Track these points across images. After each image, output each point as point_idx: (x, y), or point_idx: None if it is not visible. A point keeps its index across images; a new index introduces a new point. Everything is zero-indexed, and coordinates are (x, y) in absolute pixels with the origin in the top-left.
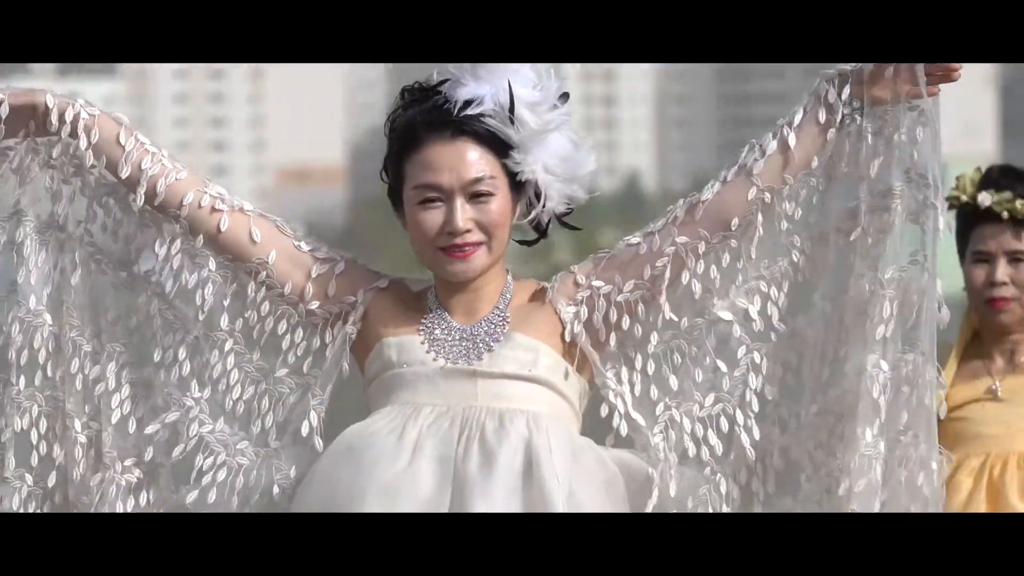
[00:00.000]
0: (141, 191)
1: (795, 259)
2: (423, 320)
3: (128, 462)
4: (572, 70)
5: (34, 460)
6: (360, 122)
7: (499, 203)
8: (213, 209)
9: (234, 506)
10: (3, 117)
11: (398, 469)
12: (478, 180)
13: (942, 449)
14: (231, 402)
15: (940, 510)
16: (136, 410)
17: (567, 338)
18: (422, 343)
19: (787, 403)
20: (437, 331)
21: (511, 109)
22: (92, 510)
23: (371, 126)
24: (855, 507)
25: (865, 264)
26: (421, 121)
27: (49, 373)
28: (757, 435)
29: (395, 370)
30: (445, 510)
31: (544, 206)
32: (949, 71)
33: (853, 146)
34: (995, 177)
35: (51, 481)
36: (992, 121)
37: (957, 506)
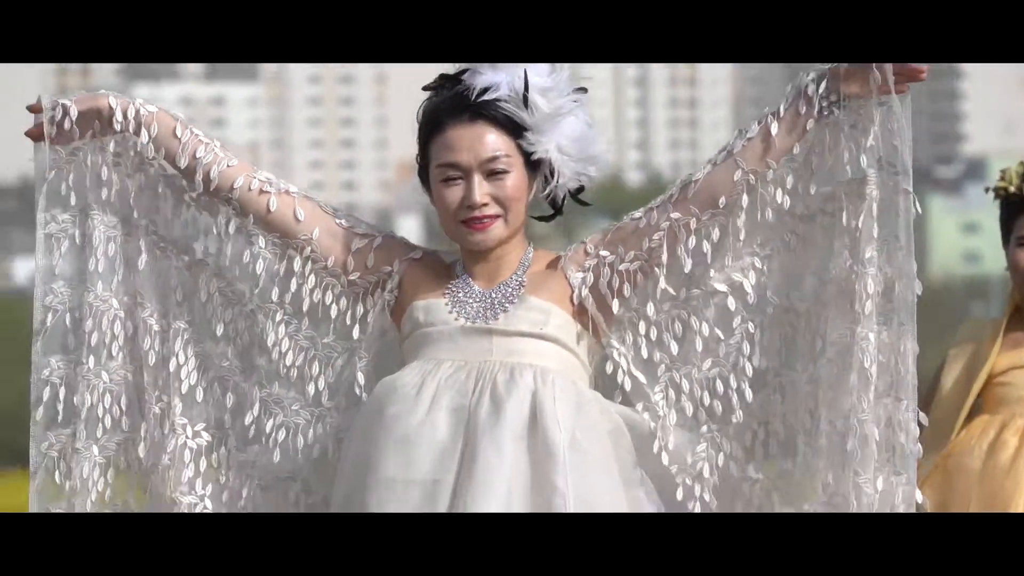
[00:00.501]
0: (197, 178)
1: (786, 238)
2: (449, 285)
3: (198, 427)
4: (659, 75)
5: (99, 432)
6: None
7: (514, 179)
8: (261, 191)
9: (299, 463)
10: (73, 121)
11: (416, 421)
12: (494, 159)
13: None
14: (284, 368)
15: (915, 467)
16: (202, 380)
17: (575, 301)
18: (446, 305)
19: (785, 371)
20: (460, 294)
21: (525, 94)
22: (168, 472)
23: None
24: (857, 469)
25: (845, 244)
26: (443, 107)
27: (114, 352)
28: (750, 398)
29: (423, 329)
30: (458, 455)
31: (557, 183)
32: (916, 72)
33: (832, 136)
34: None
35: (118, 449)
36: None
37: (1004, 462)
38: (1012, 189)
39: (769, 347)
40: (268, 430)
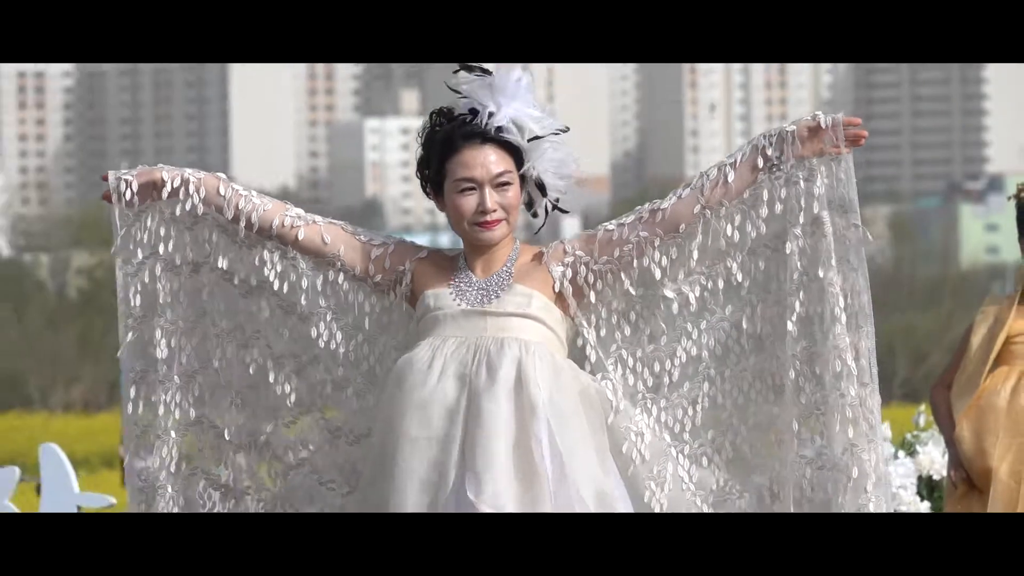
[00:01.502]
0: (242, 224)
1: (729, 266)
2: (453, 276)
3: (291, 408)
4: (758, 78)
5: (170, 422)
6: (617, 145)
7: (514, 191)
8: (292, 226)
9: (368, 418)
10: (134, 192)
11: (429, 388)
12: (501, 174)
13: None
14: (340, 354)
15: (880, 441)
16: (279, 375)
17: (555, 289)
18: (450, 293)
19: (715, 365)
20: (462, 284)
21: (521, 127)
22: (267, 446)
23: (624, 149)
24: (858, 443)
25: (795, 269)
26: (458, 134)
27: (183, 361)
28: (676, 378)
29: (432, 313)
30: (462, 413)
31: (545, 195)
32: (859, 137)
33: (787, 187)
34: None
35: (189, 434)
36: None
37: (1019, 409)
38: (1023, 195)
39: (704, 345)
40: (342, 399)
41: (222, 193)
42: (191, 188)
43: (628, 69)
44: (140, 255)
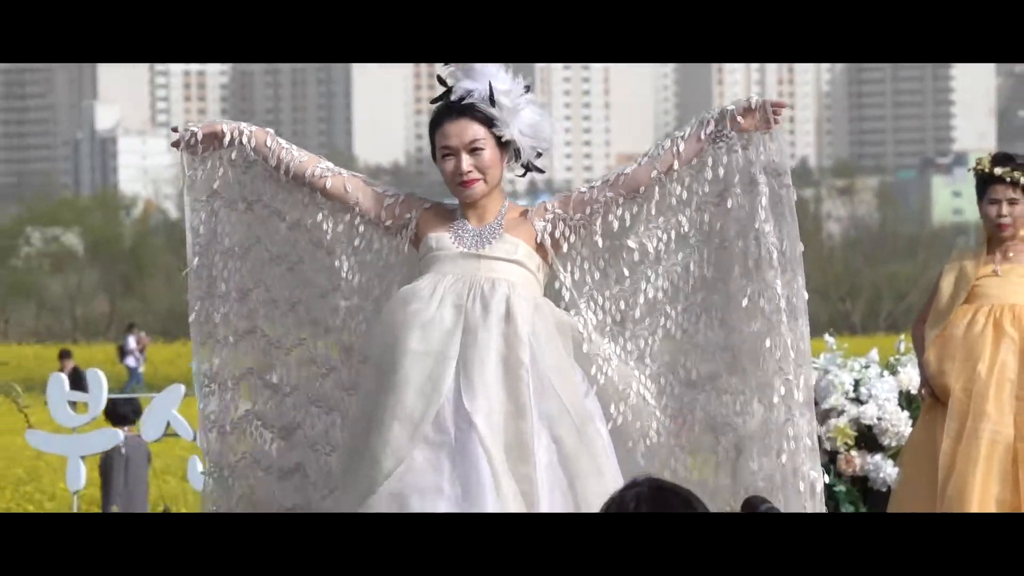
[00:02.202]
0: (282, 171)
1: (679, 220)
2: (452, 224)
3: (318, 326)
4: (771, 76)
5: (228, 330)
6: (659, 131)
7: (488, 155)
8: (322, 176)
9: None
10: (199, 140)
11: (431, 311)
12: (474, 140)
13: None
14: (358, 282)
15: (811, 376)
16: (303, 293)
17: (537, 241)
18: (450, 237)
19: (668, 301)
20: (460, 231)
21: (491, 97)
22: (304, 354)
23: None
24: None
25: (735, 222)
26: (440, 110)
27: (238, 280)
28: (638, 314)
29: (433, 253)
30: (459, 336)
31: (519, 157)
32: (779, 109)
33: (727, 155)
34: (1000, 158)
35: (246, 373)
36: (993, 132)
37: (976, 331)
38: (985, 170)
39: (660, 286)
40: (353, 325)
41: (268, 144)
42: (244, 139)
43: (668, 68)
44: (204, 193)
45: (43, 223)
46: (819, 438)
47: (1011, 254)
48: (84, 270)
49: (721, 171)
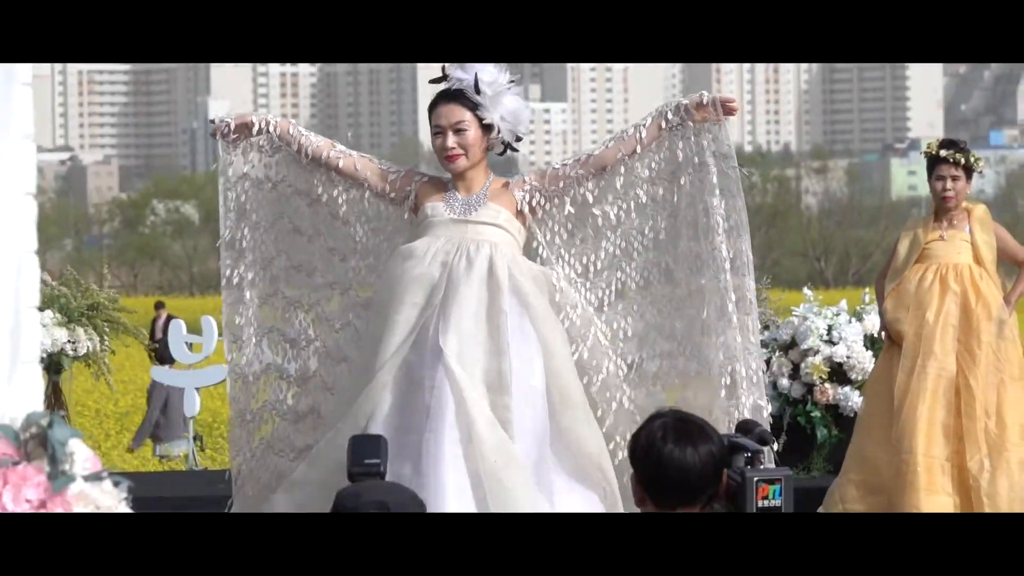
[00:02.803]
0: (303, 155)
1: (638, 193)
2: (445, 194)
3: (337, 284)
4: (760, 75)
5: (253, 293)
6: None
7: (471, 134)
8: (335, 157)
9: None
10: (231, 129)
11: (422, 268)
12: (459, 122)
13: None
14: (368, 244)
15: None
16: (332, 260)
17: (517, 209)
18: (443, 206)
19: (624, 258)
20: (451, 200)
21: (476, 86)
22: (322, 312)
23: None
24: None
25: (685, 196)
26: (435, 96)
27: (263, 249)
28: (597, 268)
29: (429, 219)
30: (443, 289)
31: (499, 136)
32: (732, 108)
33: (682, 140)
34: (945, 143)
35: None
36: (940, 122)
37: (925, 287)
38: (932, 151)
39: (617, 245)
40: (371, 281)
41: (291, 132)
42: (270, 128)
43: (676, 69)
44: (235, 175)
45: (166, 196)
46: (798, 371)
47: (955, 222)
48: (199, 235)
49: (677, 154)
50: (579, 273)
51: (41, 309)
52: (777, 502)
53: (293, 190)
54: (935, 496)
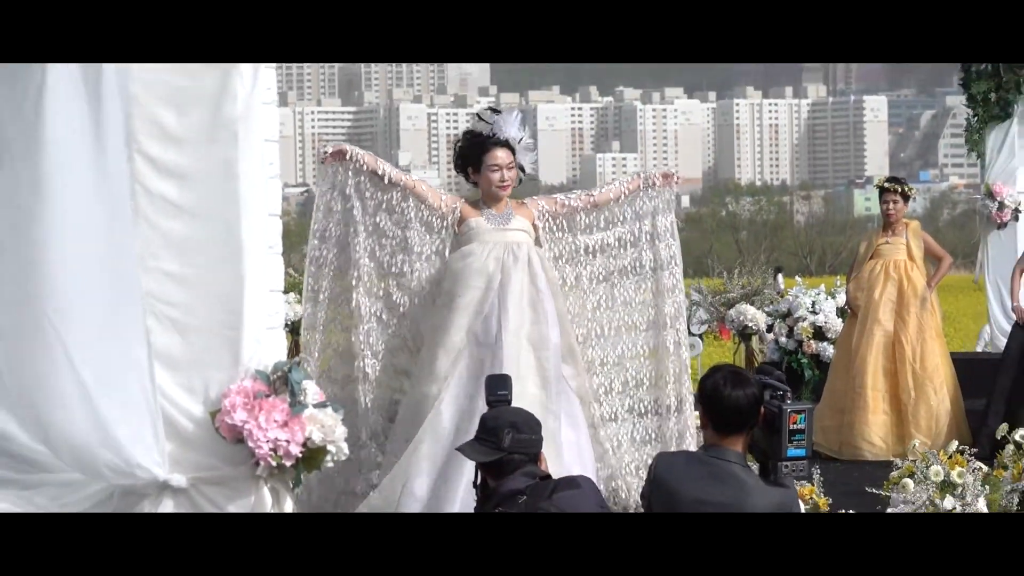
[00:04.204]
0: (386, 179)
1: (615, 229)
2: (482, 213)
3: (402, 275)
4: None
5: (324, 296)
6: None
7: (515, 171)
8: (410, 181)
9: (434, 284)
10: (328, 155)
11: (481, 261)
12: (510, 163)
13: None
14: (425, 250)
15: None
16: (397, 256)
17: (534, 221)
18: (484, 220)
19: (603, 276)
20: (488, 216)
21: (520, 140)
22: (389, 295)
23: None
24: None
25: (640, 242)
26: (489, 143)
27: (359, 244)
28: (575, 277)
29: (474, 230)
30: (499, 278)
31: (523, 172)
32: (670, 182)
33: (646, 197)
34: (889, 179)
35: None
36: (887, 166)
37: (875, 274)
38: (880, 184)
39: (597, 263)
40: (420, 276)
41: (375, 159)
42: (357, 156)
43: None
44: (328, 189)
45: None
46: (792, 332)
47: (896, 231)
48: None
49: (643, 205)
50: (565, 282)
51: (285, 292)
52: (802, 425)
53: (376, 202)
54: (877, 415)
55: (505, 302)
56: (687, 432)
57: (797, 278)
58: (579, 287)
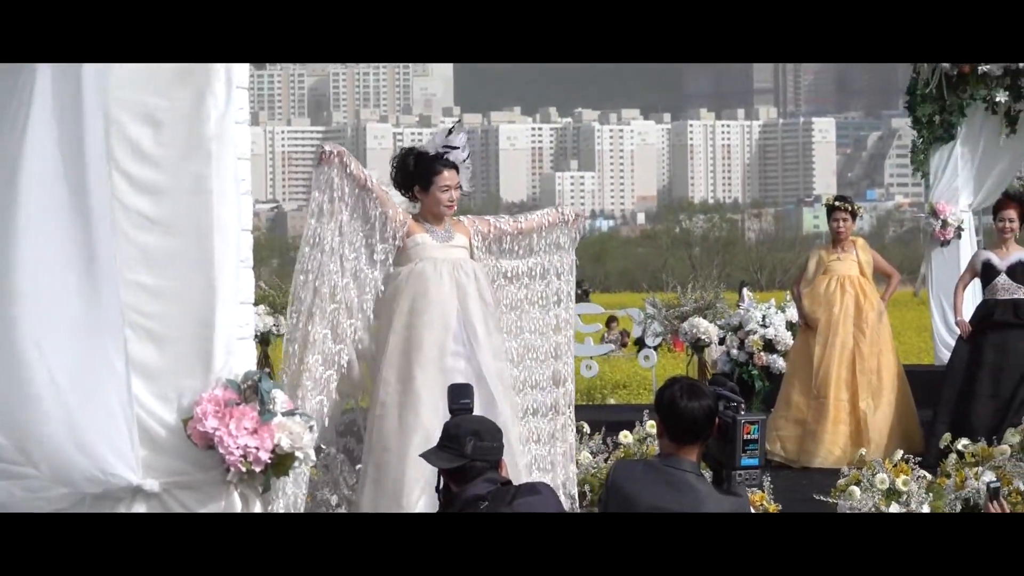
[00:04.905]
0: (369, 183)
1: (534, 256)
2: (427, 229)
3: (364, 284)
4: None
5: (307, 297)
6: None
7: (459, 191)
8: (380, 189)
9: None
10: (328, 155)
11: (437, 277)
12: (458, 183)
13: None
14: (379, 256)
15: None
16: (355, 257)
17: (471, 238)
18: (429, 236)
19: (524, 299)
20: (431, 232)
21: (465, 162)
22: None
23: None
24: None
25: (550, 265)
26: (438, 162)
27: (335, 243)
28: (509, 295)
29: (420, 245)
30: (456, 293)
31: (464, 192)
32: (578, 222)
33: (559, 230)
34: (838, 198)
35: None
36: (835, 185)
37: (831, 290)
38: (829, 203)
39: (518, 286)
40: (381, 283)
41: (358, 167)
42: (347, 160)
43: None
44: (320, 191)
45: None
46: (743, 344)
47: (845, 248)
48: None
49: (556, 239)
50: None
51: (255, 304)
52: (756, 436)
53: (355, 209)
54: (839, 425)
55: (469, 316)
56: (568, 456)
57: (747, 292)
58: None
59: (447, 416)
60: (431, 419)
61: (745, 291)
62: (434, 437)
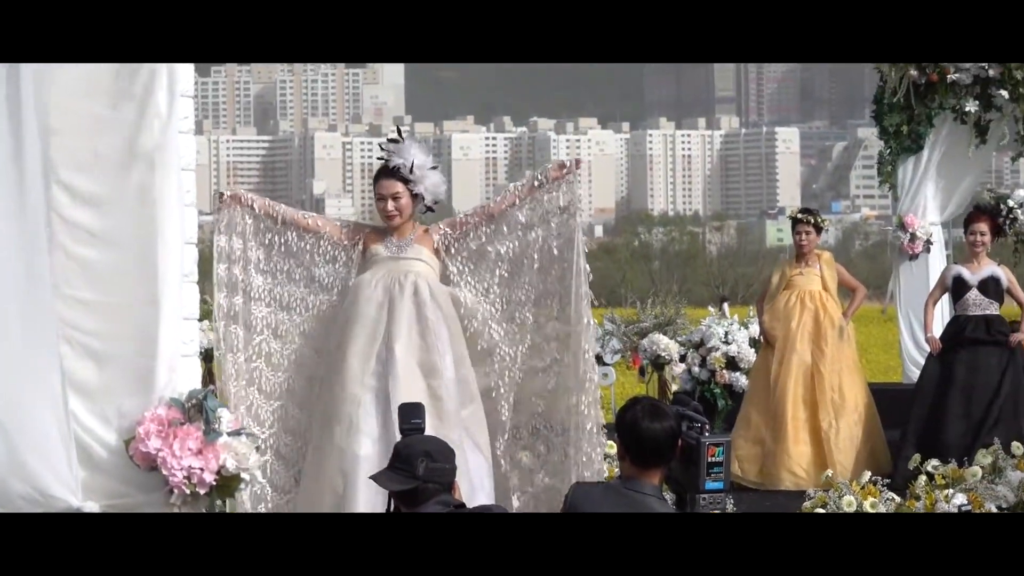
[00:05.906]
0: (277, 220)
1: (514, 236)
2: (384, 240)
3: (308, 304)
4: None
5: (233, 343)
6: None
7: (404, 201)
8: (303, 218)
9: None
10: (226, 199)
11: (369, 293)
12: (396, 193)
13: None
14: (327, 280)
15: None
16: (307, 291)
17: (434, 247)
18: (384, 247)
19: (508, 284)
20: (388, 243)
21: (411, 168)
22: (293, 326)
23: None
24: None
25: (541, 237)
26: (378, 172)
27: (256, 283)
28: (495, 287)
29: (374, 257)
30: (386, 308)
31: (425, 203)
32: (578, 163)
33: (546, 193)
34: (802, 210)
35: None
36: (799, 197)
37: (790, 305)
38: (793, 215)
39: (501, 270)
40: (323, 306)
41: (267, 203)
42: (249, 200)
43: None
44: (225, 231)
45: None
46: (705, 362)
47: (809, 262)
48: None
49: (541, 207)
50: (481, 292)
51: (200, 319)
52: (720, 458)
53: (280, 242)
54: (799, 445)
55: (391, 329)
56: (581, 455)
57: (711, 308)
58: (489, 296)
59: (361, 434)
60: (343, 438)
61: (725, 306)
62: (346, 456)
